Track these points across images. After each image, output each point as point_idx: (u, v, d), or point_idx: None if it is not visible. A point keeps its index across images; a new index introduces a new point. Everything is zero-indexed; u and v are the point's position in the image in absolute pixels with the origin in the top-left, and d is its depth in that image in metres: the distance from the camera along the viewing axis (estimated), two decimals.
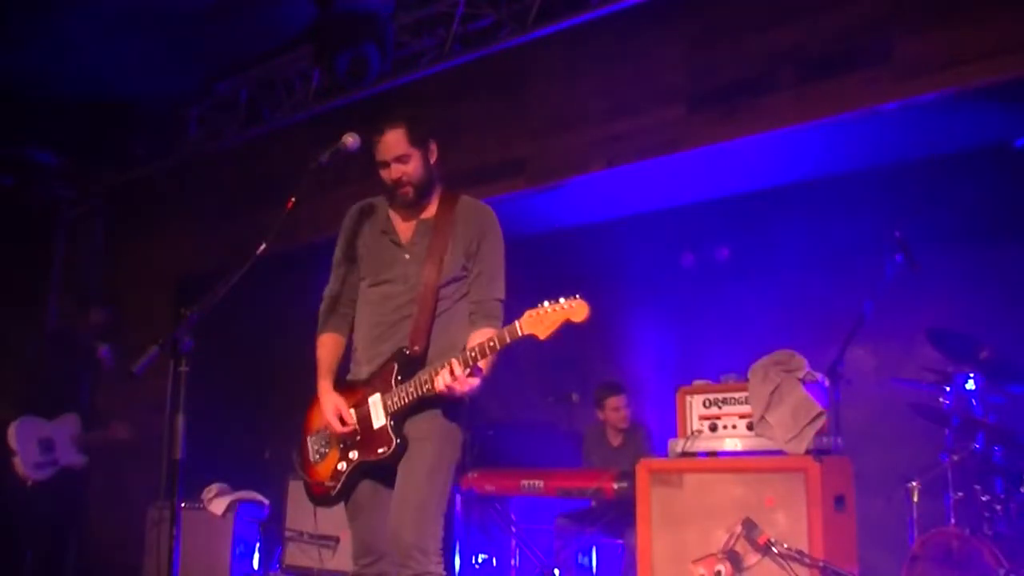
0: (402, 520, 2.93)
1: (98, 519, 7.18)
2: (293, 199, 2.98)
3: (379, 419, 3.03)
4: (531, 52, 5.57)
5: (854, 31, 4.52)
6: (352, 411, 3.08)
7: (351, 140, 3.08)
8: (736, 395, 4.21)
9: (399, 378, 3.01)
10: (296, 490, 6.00)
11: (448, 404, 3.00)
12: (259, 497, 6.23)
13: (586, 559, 5.36)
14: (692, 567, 3.92)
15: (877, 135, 4.90)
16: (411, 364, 3.01)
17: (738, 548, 3.84)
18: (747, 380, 4.16)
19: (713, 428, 4.24)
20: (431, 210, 3.18)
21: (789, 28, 4.73)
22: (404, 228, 3.19)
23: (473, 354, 2.83)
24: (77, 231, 8.18)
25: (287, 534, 6.04)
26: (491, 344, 2.81)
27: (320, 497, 3.17)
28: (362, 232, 3.25)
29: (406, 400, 2.97)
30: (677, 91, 5.08)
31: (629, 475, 4.62)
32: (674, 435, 4.36)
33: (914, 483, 4.25)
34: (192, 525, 5.93)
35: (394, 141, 3.08)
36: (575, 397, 6.06)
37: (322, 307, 3.31)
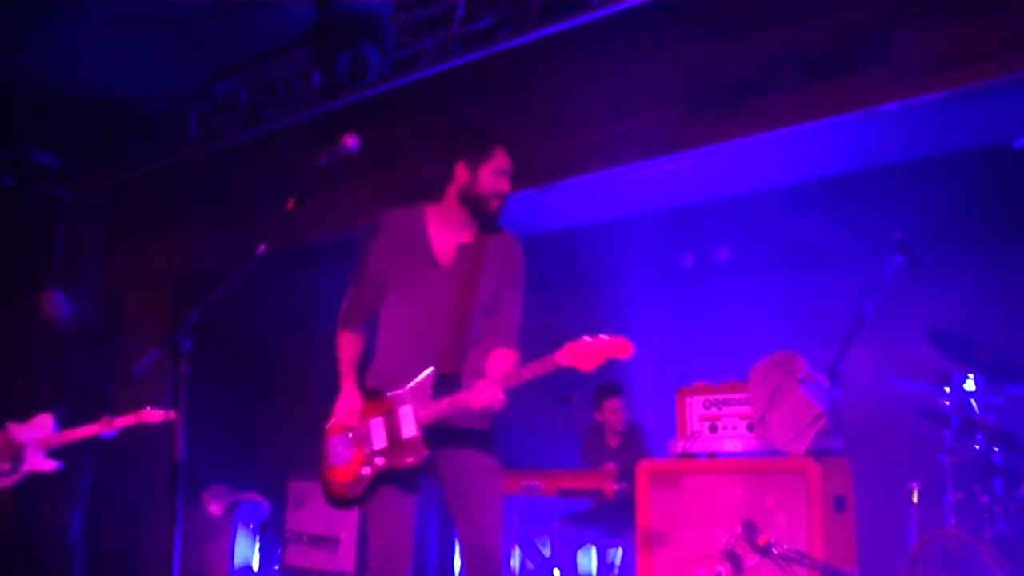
0: (493, 543, 3.14)
1: (97, 520, 7.18)
2: (293, 199, 2.99)
3: (410, 430, 3.11)
4: (531, 53, 5.55)
5: (854, 31, 4.51)
6: (381, 419, 3.16)
7: (351, 141, 3.08)
8: (736, 396, 4.22)
9: (433, 394, 3.10)
10: (296, 491, 6.01)
11: (486, 435, 3.21)
12: (259, 497, 6.22)
13: (586, 560, 5.36)
14: (692, 568, 3.92)
15: (877, 135, 4.89)
16: (445, 383, 3.11)
17: (738, 549, 3.83)
18: (747, 381, 4.17)
19: (713, 429, 4.24)
20: (470, 234, 3.25)
21: (789, 28, 4.73)
22: (442, 249, 3.25)
23: (513, 381, 3.01)
24: (77, 231, 8.17)
25: (287, 534, 6.04)
26: (528, 374, 2.99)
27: (339, 499, 3.24)
28: (392, 246, 3.27)
29: (440, 415, 3.09)
30: (677, 91, 5.07)
31: (629, 476, 4.62)
32: (674, 436, 4.36)
33: (914, 484, 4.25)
34: (192, 525, 5.93)
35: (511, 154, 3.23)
36: (574, 398, 6.06)
37: (344, 306, 3.33)
